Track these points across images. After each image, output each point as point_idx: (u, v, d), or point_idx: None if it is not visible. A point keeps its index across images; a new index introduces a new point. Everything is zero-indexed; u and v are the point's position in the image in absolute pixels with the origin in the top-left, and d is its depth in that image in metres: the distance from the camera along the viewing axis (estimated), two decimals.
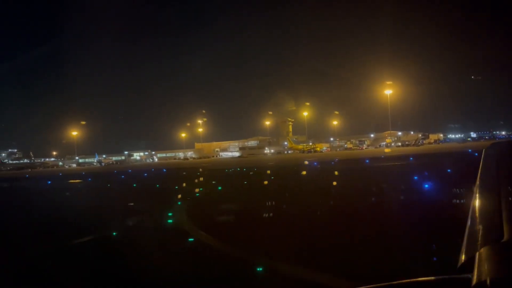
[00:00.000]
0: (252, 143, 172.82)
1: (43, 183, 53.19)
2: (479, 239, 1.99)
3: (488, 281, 1.57)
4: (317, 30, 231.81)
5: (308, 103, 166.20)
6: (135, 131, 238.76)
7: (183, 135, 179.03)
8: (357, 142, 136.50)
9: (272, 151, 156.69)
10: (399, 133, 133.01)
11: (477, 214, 2.28)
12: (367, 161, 55.12)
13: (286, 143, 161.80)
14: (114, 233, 13.92)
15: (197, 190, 27.91)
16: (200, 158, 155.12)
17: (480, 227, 2.12)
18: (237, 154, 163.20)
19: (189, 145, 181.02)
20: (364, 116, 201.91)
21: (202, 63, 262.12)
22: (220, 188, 28.89)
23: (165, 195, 25.93)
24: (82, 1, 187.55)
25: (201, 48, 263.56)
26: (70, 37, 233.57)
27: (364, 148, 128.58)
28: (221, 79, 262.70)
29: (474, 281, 1.61)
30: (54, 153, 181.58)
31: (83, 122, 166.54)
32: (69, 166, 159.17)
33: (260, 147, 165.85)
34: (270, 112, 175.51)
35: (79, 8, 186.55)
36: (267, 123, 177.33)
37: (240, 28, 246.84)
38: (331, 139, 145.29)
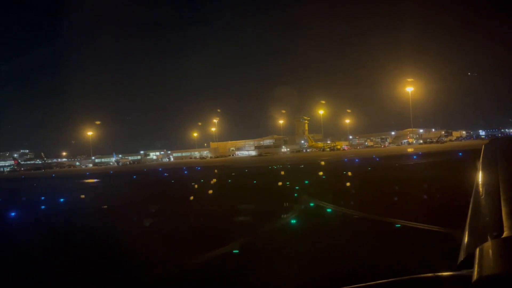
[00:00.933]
0: (267, 141, 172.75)
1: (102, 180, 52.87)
2: (479, 235, 1.98)
3: (488, 277, 1.55)
4: (333, 27, 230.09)
5: (323, 102, 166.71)
6: (147, 131, 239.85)
7: (196, 134, 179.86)
8: (379, 140, 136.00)
9: (288, 149, 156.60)
10: (421, 131, 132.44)
11: (477, 210, 2.27)
12: (415, 157, 54.80)
13: (303, 141, 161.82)
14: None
15: (284, 184, 27.69)
16: (217, 157, 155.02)
17: (480, 223, 2.11)
18: (253, 152, 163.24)
19: (202, 144, 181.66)
20: (381, 114, 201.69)
21: (216, 62, 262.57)
22: (307, 182, 28.61)
23: (261, 191, 25.58)
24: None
25: (216, 47, 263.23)
26: (83, 37, 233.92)
27: (386, 145, 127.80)
28: (234, 78, 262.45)
29: (475, 277, 1.58)
30: (64, 153, 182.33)
31: (98, 122, 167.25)
32: (85, 166, 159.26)
33: (276, 145, 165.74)
34: (284, 111, 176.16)
35: (96, 5, 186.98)
36: (281, 122, 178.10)
37: (254, 27, 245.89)
38: (350, 137, 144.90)
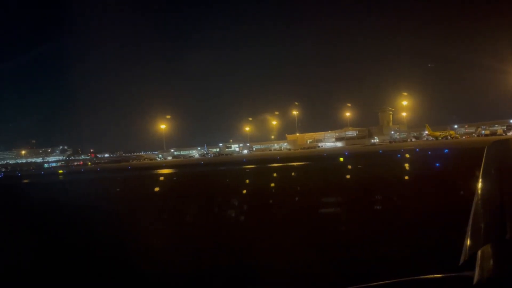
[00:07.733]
0: (349, 133, 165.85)
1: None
2: (482, 236, 1.98)
3: (490, 279, 1.53)
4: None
5: (405, 93, 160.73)
6: (210, 124, 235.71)
7: (248, 129, 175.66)
8: (495, 128, 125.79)
9: (377, 140, 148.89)
10: None
11: (479, 212, 2.27)
12: None
13: (392, 132, 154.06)
14: None
15: None
16: (303, 148, 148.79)
17: (482, 224, 2.10)
18: (339, 144, 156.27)
19: (277, 136, 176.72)
20: (469, 103, 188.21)
21: (290, 54, 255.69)
22: None
23: None
24: None
25: (291, 41, 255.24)
26: (144, 31, 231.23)
27: None
28: (308, 70, 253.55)
29: (476, 279, 1.56)
30: (91, 149, 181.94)
31: (168, 116, 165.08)
32: (165, 159, 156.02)
33: (359, 137, 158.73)
34: (349, 104, 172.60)
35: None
36: (347, 114, 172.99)
37: (331, 19, 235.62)
38: (455, 126, 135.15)
